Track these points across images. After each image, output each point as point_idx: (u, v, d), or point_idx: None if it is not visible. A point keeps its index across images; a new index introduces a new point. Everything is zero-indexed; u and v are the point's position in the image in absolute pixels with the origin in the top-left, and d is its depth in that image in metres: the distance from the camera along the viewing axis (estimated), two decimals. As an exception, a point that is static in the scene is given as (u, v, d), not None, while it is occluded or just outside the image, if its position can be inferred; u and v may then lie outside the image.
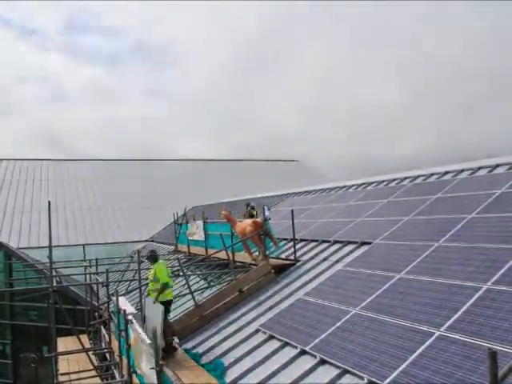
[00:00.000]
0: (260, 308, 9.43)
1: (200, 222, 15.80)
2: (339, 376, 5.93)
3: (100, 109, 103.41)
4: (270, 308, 9.17)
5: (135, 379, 6.76)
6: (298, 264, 10.88)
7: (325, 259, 10.49)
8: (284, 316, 8.33)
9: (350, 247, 10.44)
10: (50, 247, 8.89)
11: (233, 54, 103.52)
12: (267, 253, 11.34)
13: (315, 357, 6.55)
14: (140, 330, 6.35)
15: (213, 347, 8.52)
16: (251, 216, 12.97)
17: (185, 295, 10.96)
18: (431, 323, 5.93)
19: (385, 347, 5.90)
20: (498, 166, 10.78)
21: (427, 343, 5.57)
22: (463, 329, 5.51)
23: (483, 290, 6.12)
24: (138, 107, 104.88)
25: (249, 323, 8.93)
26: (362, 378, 5.60)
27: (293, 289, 9.62)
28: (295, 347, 7.07)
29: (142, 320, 8.26)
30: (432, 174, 12.64)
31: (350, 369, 5.83)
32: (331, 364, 6.23)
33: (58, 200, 31.52)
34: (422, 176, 12.89)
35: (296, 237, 11.73)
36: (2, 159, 37.35)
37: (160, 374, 5.18)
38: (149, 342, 5.59)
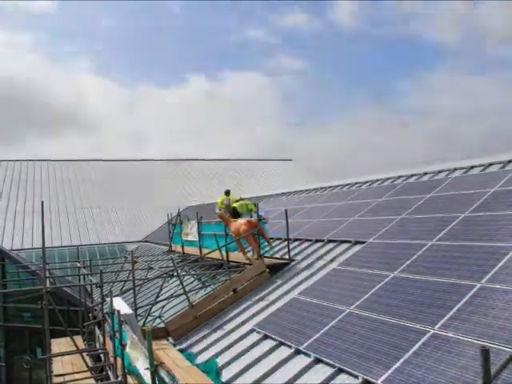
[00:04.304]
0: (254, 308, 9.43)
1: (194, 222, 15.78)
2: (334, 375, 5.94)
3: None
4: (265, 307, 9.17)
5: (130, 380, 6.74)
6: (293, 263, 10.89)
7: (319, 258, 10.50)
8: (278, 315, 8.33)
9: (343, 246, 10.46)
10: (44, 248, 8.85)
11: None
12: (261, 252, 11.35)
13: (310, 356, 6.56)
14: (133, 331, 6.33)
15: (207, 347, 8.52)
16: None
17: (179, 295, 10.94)
18: (425, 321, 5.96)
19: (379, 346, 5.92)
20: (490, 164, 10.84)
21: (421, 341, 5.59)
22: (457, 327, 5.54)
23: (477, 288, 6.15)
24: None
25: (243, 323, 8.93)
26: (356, 376, 5.62)
27: (287, 288, 9.63)
28: (290, 346, 7.07)
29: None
30: (425, 173, 12.70)
31: (345, 368, 5.84)
32: (326, 363, 6.24)
33: (52, 201, 31.38)
34: (416, 175, 12.94)
35: (290, 236, 11.75)
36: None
37: (154, 374, 5.16)
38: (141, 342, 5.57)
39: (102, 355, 9.73)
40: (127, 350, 6.27)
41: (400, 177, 13.54)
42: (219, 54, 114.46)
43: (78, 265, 14.81)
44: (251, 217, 12.33)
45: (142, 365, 5.71)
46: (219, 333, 8.93)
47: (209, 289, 11.11)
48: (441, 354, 5.19)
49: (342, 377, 5.84)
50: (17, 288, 17.93)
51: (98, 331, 10.64)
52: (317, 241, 11.68)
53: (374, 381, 5.31)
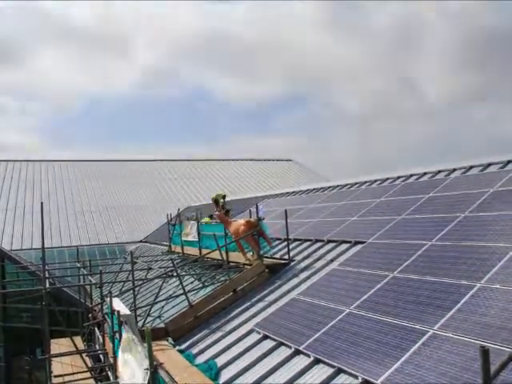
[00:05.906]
0: (254, 308, 9.43)
1: (194, 222, 15.79)
2: (333, 375, 5.94)
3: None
4: (264, 308, 9.17)
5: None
6: (292, 264, 10.88)
7: (319, 258, 10.50)
8: (278, 316, 8.33)
9: (343, 246, 10.46)
10: (43, 249, 8.86)
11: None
12: (261, 252, 11.35)
13: (309, 356, 6.55)
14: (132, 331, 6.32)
15: (207, 347, 8.51)
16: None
17: (179, 296, 10.93)
18: (425, 321, 5.96)
19: (379, 346, 5.92)
20: (489, 164, 10.83)
21: (421, 341, 5.59)
22: (457, 327, 5.54)
23: (476, 288, 6.15)
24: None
25: (243, 323, 8.93)
26: (356, 376, 5.61)
27: (287, 288, 9.63)
28: (289, 347, 7.07)
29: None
30: (425, 173, 12.69)
31: (345, 368, 5.84)
32: (325, 363, 6.23)
33: (51, 201, 31.37)
34: (415, 175, 12.94)
35: (290, 236, 11.74)
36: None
37: (154, 375, 5.15)
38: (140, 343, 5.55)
39: (101, 356, 9.73)
40: (119, 352, 6.22)
41: (399, 177, 13.54)
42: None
43: (78, 265, 14.80)
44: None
45: (137, 368, 5.67)
46: (219, 333, 8.92)
47: (208, 289, 11.10)
48: (441, 353, 5.19)
49: (342, 377, 5.84)
50: (16, 288, 17.92)
51: (97, 332, 10.64)
52: (317, 241, 11.67)
53: (373, 381, 5.31)
